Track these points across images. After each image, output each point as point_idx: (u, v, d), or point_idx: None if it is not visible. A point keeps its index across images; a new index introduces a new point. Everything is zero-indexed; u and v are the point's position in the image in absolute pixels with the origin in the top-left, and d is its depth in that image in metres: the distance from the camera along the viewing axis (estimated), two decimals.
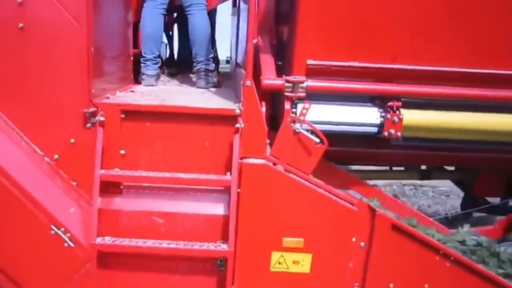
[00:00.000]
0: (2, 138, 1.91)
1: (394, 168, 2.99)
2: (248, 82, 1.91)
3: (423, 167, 2.99)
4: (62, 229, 1.90)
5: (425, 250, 2.06)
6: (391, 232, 2.05)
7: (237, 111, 1.95)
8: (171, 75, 3.03)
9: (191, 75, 2.87)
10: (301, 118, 1.96)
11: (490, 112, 2.14)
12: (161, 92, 2.49)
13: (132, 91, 2.40)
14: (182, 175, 1.96)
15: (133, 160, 1.99)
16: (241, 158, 1.93)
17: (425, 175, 3.01)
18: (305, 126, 1.97)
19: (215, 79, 2.73)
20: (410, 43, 2.06)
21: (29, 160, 1.93)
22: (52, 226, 1.90)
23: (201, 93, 2.56)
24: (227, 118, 1.97)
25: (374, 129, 2.17)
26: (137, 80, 2.69)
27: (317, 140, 1.95)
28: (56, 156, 1.97)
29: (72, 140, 1.95)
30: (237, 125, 1.92)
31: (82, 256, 1.93)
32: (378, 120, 2.14)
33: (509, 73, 2.05)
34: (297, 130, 1.95)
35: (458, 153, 2.49)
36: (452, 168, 3.04)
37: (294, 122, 1.95)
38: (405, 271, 2.10)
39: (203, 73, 2.67)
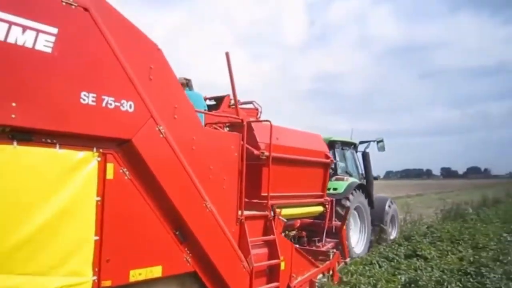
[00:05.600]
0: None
1: None
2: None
3: None
4: (244, 262, 4.88)
5: None
6: None
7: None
8: None
9: None
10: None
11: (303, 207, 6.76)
12: None
13: None
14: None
15: None
16: None
17: None
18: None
19: None
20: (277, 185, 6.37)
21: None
22: (243, 261, 4.84)
23: None
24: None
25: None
26: None
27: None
28: (233, 230, 4.90)
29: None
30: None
31: (247, 270, 4.94)
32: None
33: (308, 194, 6.78)
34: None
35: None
36: None
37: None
38: None
39: None
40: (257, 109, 7.83)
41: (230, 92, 7.35)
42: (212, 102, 7.45)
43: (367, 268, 8.36)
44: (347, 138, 10.91)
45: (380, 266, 8.66)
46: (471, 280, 7.56)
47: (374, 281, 7.12)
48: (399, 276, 7.76)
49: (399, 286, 7.16)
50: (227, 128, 6.22)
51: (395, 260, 9.12)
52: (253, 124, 6.11)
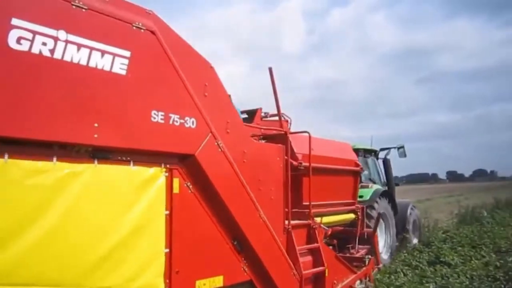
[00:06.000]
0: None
1: None
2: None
3: None
4: (294, 270, 5.00)
5: None
6: None
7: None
8: None
9: None
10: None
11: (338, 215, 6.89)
12: None
13: None
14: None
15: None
16: None
17: None
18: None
19: None
20: (315, 194, 6.52)
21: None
22: (293, 269, 4.97)
23: None
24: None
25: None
26: None
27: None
28: (281, 239, 5.03)
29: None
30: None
31: (297, 278, 5.06)
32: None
33: (342, 202, 6.91)
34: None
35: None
36: None
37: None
38: None
39: None
40: (287, 121, 7.98)
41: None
42: (244, 116, 7.59)
43: (392, 277, 8.41)
44: (368, 146, 11.05)
45: (405, 275, 8.61)
46: (502, 286, 7.60)
47: None
48: (427, 285, 7.73)
49: None
50: (263, 141, 6.37)
51: (419, 268, 9.06)
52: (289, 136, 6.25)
